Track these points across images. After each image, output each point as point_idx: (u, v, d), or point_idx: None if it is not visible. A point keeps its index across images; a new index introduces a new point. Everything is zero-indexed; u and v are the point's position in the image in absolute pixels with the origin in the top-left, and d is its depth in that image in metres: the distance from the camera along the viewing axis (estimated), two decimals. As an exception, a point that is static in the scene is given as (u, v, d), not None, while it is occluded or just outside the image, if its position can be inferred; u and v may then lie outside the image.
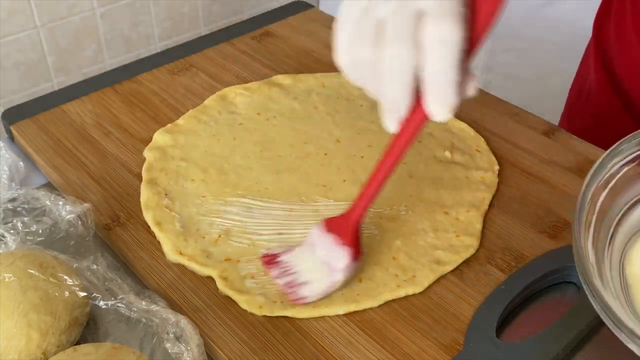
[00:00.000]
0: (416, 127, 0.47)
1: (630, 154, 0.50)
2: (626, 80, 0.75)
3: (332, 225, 0.54)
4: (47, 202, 0.59)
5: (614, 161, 0.50)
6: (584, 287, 0.44)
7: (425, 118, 0.46)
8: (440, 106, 0.45)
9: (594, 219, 0.48)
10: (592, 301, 0.44)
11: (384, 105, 0.47)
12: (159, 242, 0.59)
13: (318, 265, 0.53)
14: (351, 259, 0.52)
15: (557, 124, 0.72)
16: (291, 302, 0.53)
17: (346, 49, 0.47)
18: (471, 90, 0.45)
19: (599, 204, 0.49)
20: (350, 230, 0.53)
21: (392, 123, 0.47)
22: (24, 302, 0.48)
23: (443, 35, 0.42)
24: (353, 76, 0.48)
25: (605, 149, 0.67)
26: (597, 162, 0.48)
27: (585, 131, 0.75)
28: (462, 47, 0.43)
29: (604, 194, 0.49)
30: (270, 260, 0.55)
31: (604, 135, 0.75)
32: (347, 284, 0.54)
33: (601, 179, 0.49)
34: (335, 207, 0.61)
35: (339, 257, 0.52)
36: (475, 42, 0.44)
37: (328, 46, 0.83)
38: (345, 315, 0.53)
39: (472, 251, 0.57)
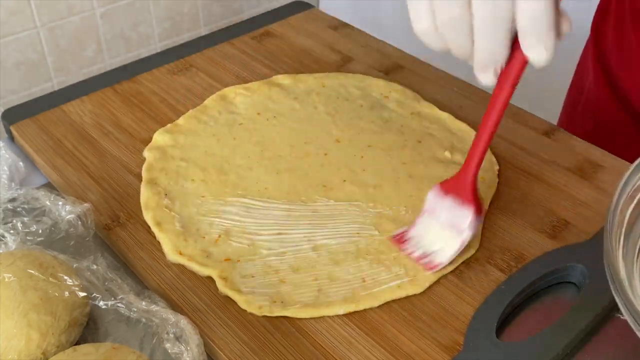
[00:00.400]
0: (517, 75, 0.48)
1: None
2: (625, 80, 0.75)
3: (448, 187, 0.55)
4: (47, 202, 0.59)
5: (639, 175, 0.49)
6: (618, 300, 0.44)
7: (523, 65, 0.47)
8: (541, 49, 0.45)
9: (622, 232, 0.48)
10: (625, 314, 0.43)
11: (479, 60, 0.47)
12: (158, 242, 0.59)
13: (444, 230, 0.55)
14: (474, 215, 0.54)
15: (555, 124, 0.72)
16: (428, 269, 0.54)
17: (427, 11, 0.46)
18: (566, 28, 0.45)
19: (627, 217, 0.49)
20: (468, 188, 0.54)
21: (489, 76, 0.48)
22: (23, 302, 0.48)
23: None
24: (434, 40, 0.48)
25: (605, 149, 0.67)
26: (625, 176, 0.48)
27: (585, 132, 0.75)
28: None
29: (631, 206, 0.49)
30: (399, 239, 0.57)
31: (603, 135, 0.75)
32: (474, 238, 0.55)
33: (629, 192, 0.49)
34: (335, 207, 0.61)
35: (462, 216, 0.54)
36: None
37: (328, 46, 0.83)
38: (345, 315, 0.53)
39: (472, 251, 0.57)
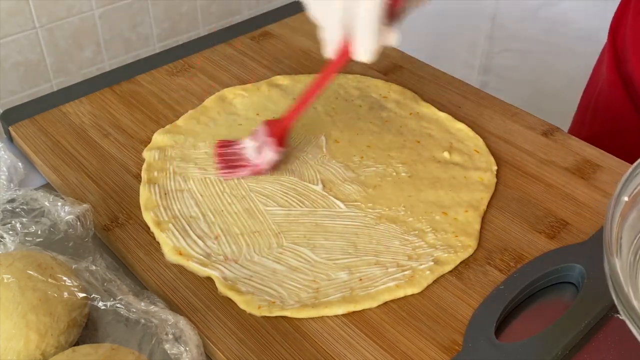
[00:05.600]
0: (339, 61, 0.59)
1: None
2: (639, 79, 0.74)
3: (271, 125, 0.65)
4: (46, 203, 0.59)
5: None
6: (620, 308, 0.43)
7: (347, 56, 0.57)
8: (363, 49, 0.55)
9: (620, 235, 0.47)
10: (626, 318, 0.43)
11: (324, 38, 0.57)
12: (158, 242, 0.59)
13: (254, 150, 0.65)
14: (275, 147, 0.64)
15: (556, 125, 0.71)
16: (223, 175, 0.64)
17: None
18: (391, 41, 0.56)
19: (628, 220, 0.48)
20: (280, 131, 0.64)
21: (329, 51, 0.58)
22: (22, 303, 0.48)
23: None
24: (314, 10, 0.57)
25: (618, 154, 0.66)
26: (624, 177, 0.47)
27: (594, 133, 0.74)
28: (382, 6, 0.53)
29: (634, 210, 0.48)
30: (221, 146, 0.67)
31: (614, 137, 0.74)
32: (273, 166, 0.65)
33: (631, 192, 0.48)
34: (334, 208, 0.61)
35: (268, 145, 0.64)
36: (394, 5, 0.55)
37: (327, 47, 0.83)
38: (344, 315, 0.53)
39: (470, 251, 0.58)
